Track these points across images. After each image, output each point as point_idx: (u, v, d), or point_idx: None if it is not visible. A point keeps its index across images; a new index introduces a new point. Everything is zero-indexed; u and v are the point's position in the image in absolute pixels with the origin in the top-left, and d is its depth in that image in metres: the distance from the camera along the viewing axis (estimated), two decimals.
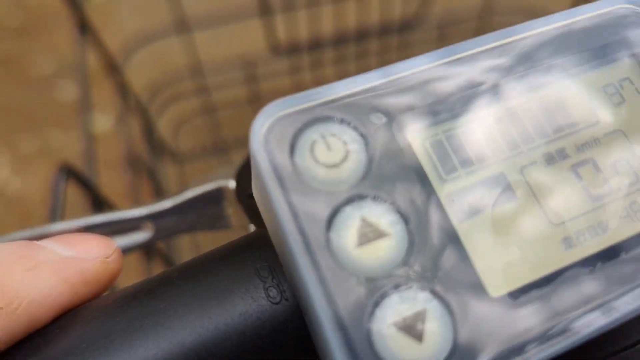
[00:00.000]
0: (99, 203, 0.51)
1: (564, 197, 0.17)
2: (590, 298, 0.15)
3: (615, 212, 0.17)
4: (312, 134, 0.16)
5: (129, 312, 0.18)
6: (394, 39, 0.81)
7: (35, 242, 0.19)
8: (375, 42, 0.81)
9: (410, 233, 0.15)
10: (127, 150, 0.71)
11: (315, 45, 0.79)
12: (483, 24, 0.81)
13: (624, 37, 0.19)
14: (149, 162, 0.73)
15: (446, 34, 0.83)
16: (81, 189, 0.49)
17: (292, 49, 0.78)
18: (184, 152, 0.85)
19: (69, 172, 0.46)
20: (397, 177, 0.16)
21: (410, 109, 0.17)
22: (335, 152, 0.16)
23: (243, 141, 0.88)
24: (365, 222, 0.15)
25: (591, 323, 0.15)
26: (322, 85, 0.17)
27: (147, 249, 0.55)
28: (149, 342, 0.17)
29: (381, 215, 0.15)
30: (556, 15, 0.19)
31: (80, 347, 0.17)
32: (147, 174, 0.73)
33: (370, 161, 0.16)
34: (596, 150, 0.17)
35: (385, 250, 0.15)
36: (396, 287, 0.15)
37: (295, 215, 0.15)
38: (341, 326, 0.14)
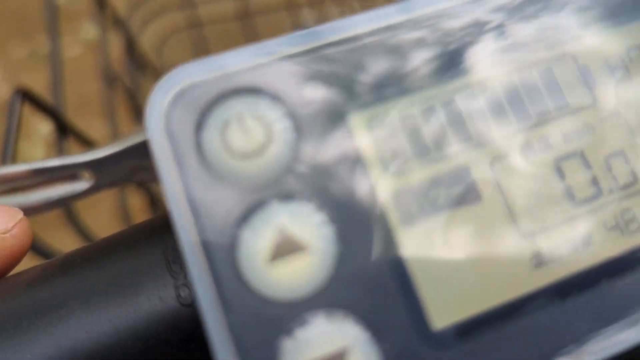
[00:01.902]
0: (64, 130, 0.47)
1: (540, 199, 0.13)
2: (559, 337, 0.12)
3: (602, 222, 0.13)
4: (226, 112, 0.12)
5: (18, 308, 0.15)
6: None
7: None
8: None
9: (338, 245, 0.12)
10: (104, 66, 0.67)
11: None
12: None
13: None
14: (130, 78, 0.70)
15: None
16: (45, 116, 0.45)
17: None
18: (167, 68, 0.81)
19: (26, 97, 0.42)
20: (329, 170, 0.13)
21: (358, 81, 0.13)
22: (254, 137, 0.12)
23: None
24: (282, 231, 0.12)
25: None
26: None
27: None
28: (36, 348, 0.14)
29: (304, 222, 0.12)
30: None
31: None
32: (125, 93, 0.70)
33: (297, 150, 0.13)
34: (587, 140, 0.14)
35: (305, 266, 0.12)
36: (315, 316, 0.12)
37: (197, 216, 0.12)
38: (241, 355, 0.11)
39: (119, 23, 0.71)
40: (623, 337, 0.12)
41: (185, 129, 0.12)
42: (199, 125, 0.12)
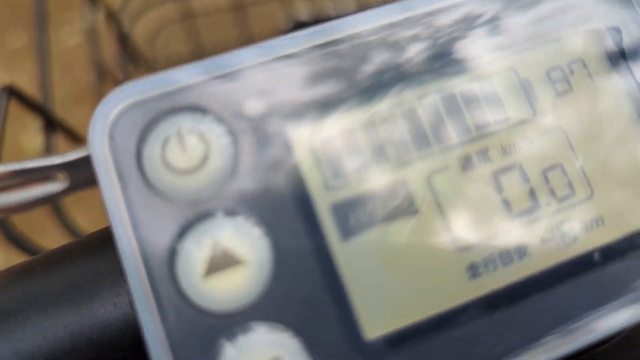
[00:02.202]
0: (52, 126, 0.48)
1: (477, 212, 0.14)
2: (488, 349, 0.13)
3: (538, 234, 0.14)
4: (166, 129, 0.13)
5: None
6: None
7: None
8: None
9: (274, 259, 0.13)
10: (95, 59, 0.68)
11: None
12: None
13: (592, 5, 0.15)
14: (123, 71, 0.70)
15: None
16: (32, 112, 0.46)
17: None
18: (160, 60, 0.82)
19: (12, 94, 0.42)
20: (268, 187, 0.13)
21: (295, 97, 0.13)
22: (192, 154, 0.13)
23: (221, 50, 0.84)
24: (219, 245, 0.12)
25: None
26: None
27: None
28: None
29: (240, 237, 0.12)
30: None
31: None
32: (116, 84, 0.70)
33: (236, 167, 0.13)
34: (526, 153, 0.14)
35: (241, 281, 0.12)
36: (249, 327, 0.12)
37: (136, 230, 0.12)
38: None
39: (111, 15, 0.71)
40: (552, 348, 0.13)
41: (127, 146, 0.13)
42: (140, 142, 0.13)
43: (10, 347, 0.15)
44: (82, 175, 0.28)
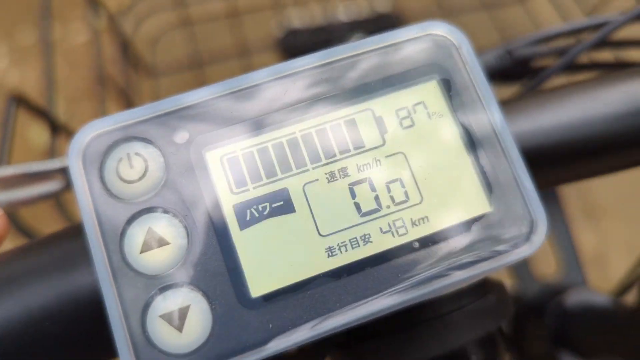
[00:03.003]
0: (56, 128, 0.54)
1: (336, 211, 0.20)
2: (331, 305, 0.19)
3: (379, 227, 0.20)
4: (119, 152, 0.19)
5: None
6: None
7: None
8: None
9: (190, 242, 0.19)
10: (97, 66, 0.73)
11: None
12: None
13: (427, 63, 0.21)
14: (123, 75, 0.76)
15: None
16: (38, 117, 0.52)
17: None
18: (160, 67, 0.87)
19: (21, 102, 0.49)
20: (190, 192, 0.19)
21: (210, 129, 0.20)
22: (136, 170, 0.19)
23: (218, 56, 0.89)
24: (151, 232, 0.19)
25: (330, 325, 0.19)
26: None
27: None
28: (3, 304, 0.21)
29: (166, 227, 0.19)
30: (375, 38, 0.21)
31: None
32: (117, 90, 0.75)
33: (166, 178, 0.19)
34: (375, 171, 0.20)
35: (165, 255, 0.19)
36: (169, 286, 0.18)
37: (99, 222, 0.19)
38: (124, 314, 0.18)
39: (113, 22, 0.76)
40: (378, 305, 0.19)
41: (93, 163, 0.19)
42: (102, 162, 0.19)
43: (19, 302, 0.21)
44: None
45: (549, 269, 0.52)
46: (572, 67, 0.36)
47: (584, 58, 0.37)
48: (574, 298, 0.47)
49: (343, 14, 0.84)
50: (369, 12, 0.87)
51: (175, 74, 0.90)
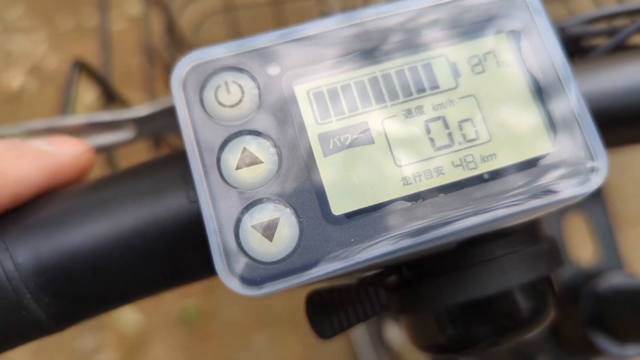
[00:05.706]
0: (111, 97, 0.57)
1: (412, 145, 0.22)
2: (405, 225, 0.21)
3: (451, 161, 0.22)
4: (218, 80, 0.21)
5: (88, 199, 0.24)
6: None
7: (23, 139, 0.25)
8: None
9: (280, 162, 0.21)
10: (145, 43, 0.76)
11: None
12: None
13: (497, 15, 0.23)
14: (169, 55, 0.78)
15: None
16: (95, 84, 0.54)
17: None
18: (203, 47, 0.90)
19: (82, 68, 0.51)
20: (281, 119, 0.21)
21: (301, 64, 0.22)
22: (233, 96, 0.21)
23: None
24: (246, 151, 0.21)
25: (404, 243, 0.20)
26: None
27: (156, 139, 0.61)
28: (98, 223, 0.23)
29: (259, 148, 0.21)
30: None
31: (50, 219, 0.23)
32: (164, 67, 0.78)
33: (260, 105, 0.21)
34: (448, 110, 0.22)
35: (258, 173, 0.21)
36: (260, 200, 0.20)
37: (197, 141, 0.21)
38: (218, 221, 0.20)
39: (160, 3, 0.79)
40: (451, 228, 0.21)
41: (194, 89, 0.21)
42: (201, 88, 0.21)
43: (109, 220, 0.23)
44: (146, 127, 0.37)
45: (586, 254, 0.53)
46: (623, 48, 0.38)
47: (637, 39, 0.38)
48: (610, 281, 0.48)
49: (384, 2, 0.85)
50: None
51: None
